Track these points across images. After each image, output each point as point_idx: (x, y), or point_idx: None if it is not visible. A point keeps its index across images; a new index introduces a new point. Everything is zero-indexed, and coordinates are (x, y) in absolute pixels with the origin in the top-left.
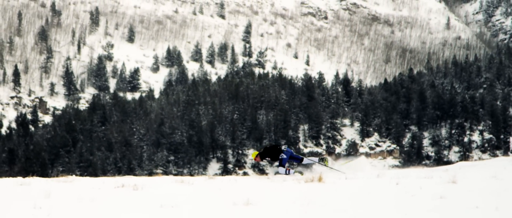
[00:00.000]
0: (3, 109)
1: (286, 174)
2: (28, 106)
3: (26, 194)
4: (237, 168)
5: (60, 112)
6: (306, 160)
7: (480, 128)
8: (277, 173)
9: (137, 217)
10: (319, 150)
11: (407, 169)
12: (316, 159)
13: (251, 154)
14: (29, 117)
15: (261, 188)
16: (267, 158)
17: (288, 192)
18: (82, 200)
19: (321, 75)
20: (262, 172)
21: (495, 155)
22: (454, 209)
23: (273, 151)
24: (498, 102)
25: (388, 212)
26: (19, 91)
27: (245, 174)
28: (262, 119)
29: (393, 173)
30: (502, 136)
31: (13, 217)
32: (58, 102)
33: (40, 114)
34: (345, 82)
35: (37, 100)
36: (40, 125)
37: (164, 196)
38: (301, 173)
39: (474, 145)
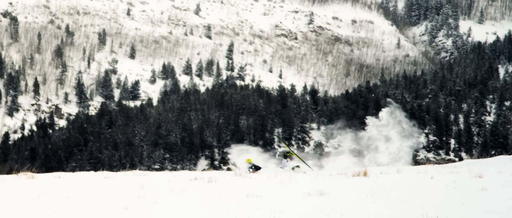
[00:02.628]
0: (25, 114)
1: (281, 168)
2: (46, 112)
3: (118, 185)
4: (222, 164)
5: (73, 116)
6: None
7: (426, 131)
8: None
9: (233, 203)
10: (288, 149)
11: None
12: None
13: (246, 159)
14: (47, 121)
15: (319, 181)
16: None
17: (350, 184)
18: (174, 190)
19: (292, 86)
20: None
21: (438, 154)
22: (497, 199)
23: (257, 167)
24: (441, 110)
25: (447, 202)
26: (39, 100)
27: (228, 169)
28: (243, 123)
29: (409, 169)
30: (444, 138)
31: (127, 204)
32: (71, 109)
33: (56, 119)
34: (313, 92)
35: (54, 107)
36: (57, 128)
37: (242, 187)
38: (298, 166)
39: (420, 145)
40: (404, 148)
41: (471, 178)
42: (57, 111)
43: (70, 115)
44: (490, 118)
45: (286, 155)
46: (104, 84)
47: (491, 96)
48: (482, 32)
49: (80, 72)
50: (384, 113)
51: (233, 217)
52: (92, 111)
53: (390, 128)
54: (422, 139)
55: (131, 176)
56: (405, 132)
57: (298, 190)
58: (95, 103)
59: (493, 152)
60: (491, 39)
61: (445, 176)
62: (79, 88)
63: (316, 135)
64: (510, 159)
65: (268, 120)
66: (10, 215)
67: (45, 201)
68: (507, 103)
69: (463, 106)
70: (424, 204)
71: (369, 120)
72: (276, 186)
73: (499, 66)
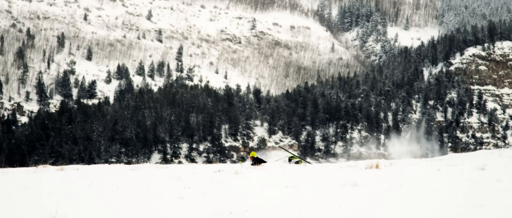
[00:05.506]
0: None
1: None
2: (8, 109)
3: (154, 177)
4: (173, 158)
5: (35, 114)
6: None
7: (359, 127)
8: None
9: (275, 194)
10: (237, 144)
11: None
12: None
13: (250, 153)
14: (10, 117)
15: (345, 174)
16: (257, 163)
17: (374, 176)
18: (214, 181)
19: (238, 86)
20: (193, 161)
21: (370, 149)
22: None
23: (260, 161)
24: (372, 108)
25: (475, 192)
26: (1, 98)
27: (179, 163)
28: (193, 120)
29: (403, 162)
30: (375, 134)
31: (181, 194)
32: (32, 106)
33: (18, 116)
34: (256, 92)
35: (16, 105)
36: (19, 124)
37: (278, 179)
38: (298, 162)
39: (354, 140)
40: None
41: (475, 170)
42: (19, 108)
43: (31, 112)
44: (415, 116)
45: (290, 159)
46: (63, 84)
47: (416, 96)
48: (408, 37)
49: (40, 72)
50: None
51: (287, 204)
52: (52, 109)
53: None
54: (355, 135)
55: (155, 169)
56: None
57: (332, 181)
58: (55, 102)
59: (418, 147)
60: (416, 44)
61: (449, 169)
62: (40, 87)
63: (259, 131)
64: (491, 153)
65: (216, 117)
66: (81, 203)
67: (98, 191)
68: (431, 102)
69: (391, 105)
70: (455, 193)
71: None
72: (309, 178)
73: (424, 68)
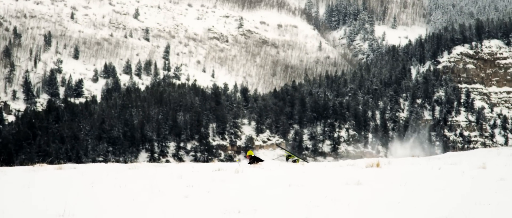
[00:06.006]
0: None
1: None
2: None
3: (155, 176)
4: (161, 157)
5: (21, 112)
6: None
7: (346, 126)
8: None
9: (280, 193)
10: (224, 143)
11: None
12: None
13: (247, 151)
14: None
15: (346, 172)
16: (254, 162)
17: (376, 174)
18: (216, 180)
19: (225, 85)
20: (180, 159)
21: (357, 147)
22: None
23: (258, 159)
24: (359, 107)
25: (481, 191)
26: None
27: (167, 161)
28: (180, 118)
29: (400, 161)
30: (362, 132)
31: (185, 193)
32: (19, 105)
33: (5, 114)
34: (244, 90)
35: (2, 103)
36: (6, 123)
37: (281, 177)
38: (295, 161)
39: (341, 139)
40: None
41: (476, 168)
42: (5, 107)
43: (18, 111)
44: (403, 114)
45: (287, 158)
46: (49, 82)
47: (404, 94)
48: (395, 36)
49: (27, 71)
50: None
51: (295, 203)
52: (39, 107)
53: None
54: (343, 133)
55: (154, 167)
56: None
57: (335, 180)
58: (42, 100)
59: (406, 145)
60: (403, 42)
61: (450, 168)
62: (27, 86)
63: (247, 129)
64: (488, 151)
65: (203, 115)
66: (87, 202)
67: (101, 189)
68: (419, 101)
69: (379, 103)
70: (461, 192)
71: None
72: (311, 177)
73: (411, 67)
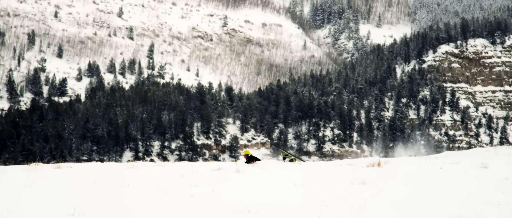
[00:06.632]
0: None
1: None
2: None
3: (156, 175)
4: (145, 156)
5: (5, 111)
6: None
7: (331, 125)
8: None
9: (286, 192)
10: (209, 142)
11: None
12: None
13: (244, 150)
14: None
15: (348, 172)
16: (251, 161)
17: (379, 174)
18: (219, 180)
19: (210, 84)
20: (165, 159)
21: (342, 147)
22: None
23: (255, 158)
24: (344, 106)
25: (487, 190)
26: None
27: (151, 160)
28: (165, 118)
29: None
30: (347, 132)
31: (190, 193)
32: (2, 104)
33: None
34: (229, 89)
35: None
36: None
37: (286, 177)
38: (292, 160)
39: (326, 138)
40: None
41: (478, 168)
42: None
43: (2, 110)
44: (388, 113)
45: (284, 157)
46: (33, 81)
47: (389, 93)
48: (380, 35)
49: (10, 70)
50: None
51: (304, 203)
52: (23, 106)
53: None
54: (328, 132)
55: (152, 167)
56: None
57: (339, 180)
58: (25, 99)
59: (391, 144)
60: (388, 41)
61: (451, 167)
62: (10, 85)
63: (232, 129)
64: (486, 151)
65: (188, 115)
66: (94, 201)
67: (105, 189)
68: (404, 100)
69: (364, 102)
70: (467, 191)
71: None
72: (314, 177)
73: (396, 66)
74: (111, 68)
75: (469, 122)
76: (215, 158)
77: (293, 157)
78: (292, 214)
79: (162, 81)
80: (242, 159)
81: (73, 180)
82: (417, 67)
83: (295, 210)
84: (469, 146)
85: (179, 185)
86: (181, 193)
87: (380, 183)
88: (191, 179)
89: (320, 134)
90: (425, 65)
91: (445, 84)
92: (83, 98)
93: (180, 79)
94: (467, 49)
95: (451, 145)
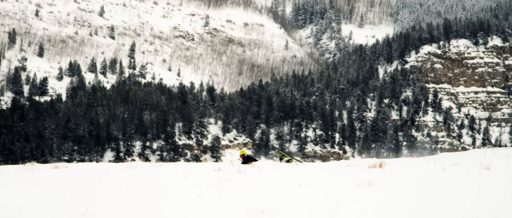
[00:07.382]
0: None
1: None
2: None
3: (159, 175)
4: (127, 156)
5: None
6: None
7: (313, 126)
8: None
9: (294, 193)
10: (191, 142)
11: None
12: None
13: (240, 150)
14: None
15: (353, 173)
16: (248, 161)
17: (383, 175)
18: (223, 180)
19: (192, 84)
20: (146, 159)
21: (325, 147)
22: None
23: (252, 159)
24: (327, 106)
25: (496, 192)
26: None
27: (133, 160)
28: (146, 117)
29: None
30: (330, 132)
31: (197, 193)
32: None
33: None
34: (210, 90)
35: None
36: None
37: (290, 178)
38: (289, 161)
39: (308, 139)
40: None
41: (480, 169)
42: None
43: None
44: (370, 114)
45: (281, 158)
46: (14, 80)
47: (371, 94)
48: (362, 35)
49: None
50: None
51: (316, 203)
52: (3, 106)
53: None
54: (310, 133)
55: (150, 167)
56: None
57: (345, 181)
58: (6, 98)
59: (373, 145)
60: (371, 42)
61: (454, 168)
62: None
63: (213, 129)
64: (484, 152)
65: (170, 115)
66: (105, 201)
67: (110, 189)
68: (386, 100)
69: (346, 103)
70: (474, 192)
71: None
72: (319, 177)
73: (379, 66)
74: (92, 68)
75: (451, 123)
76: (197, 158)
77: (289, 158)
78: (305, 214)
79: (143, 81)
80: (237, 159)
81: (76, 180)
82: (399, 67)
83: (308, 211)
84: (452, 147)
85: (184, 186)
86: (188, 193)
87: (386, 184)
88: (194, 179)
89: (302, 135)
90: (407, 66)
91: (427, 85)
92: (64, 98)
93: (161, 79)
94: (449, 50)
95: (433, 146)
